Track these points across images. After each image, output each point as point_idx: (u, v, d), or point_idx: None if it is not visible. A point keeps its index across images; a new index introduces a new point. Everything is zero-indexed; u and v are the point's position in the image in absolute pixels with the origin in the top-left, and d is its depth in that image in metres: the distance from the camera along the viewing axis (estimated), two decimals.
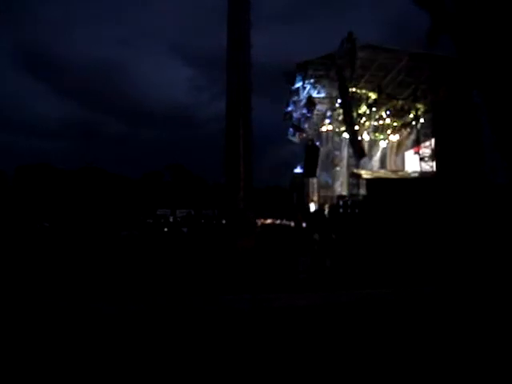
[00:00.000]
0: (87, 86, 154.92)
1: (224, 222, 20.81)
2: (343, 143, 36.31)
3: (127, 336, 5.76)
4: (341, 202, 26.26)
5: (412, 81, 29.39)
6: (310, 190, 36.98)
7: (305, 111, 34.42)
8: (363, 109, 33.36)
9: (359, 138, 32.06)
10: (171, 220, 49.37)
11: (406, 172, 34.78)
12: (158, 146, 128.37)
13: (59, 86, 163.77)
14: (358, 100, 31.97)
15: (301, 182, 37.69)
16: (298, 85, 31.90)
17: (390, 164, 38.69)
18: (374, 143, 39.14)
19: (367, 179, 29.31)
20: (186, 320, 6.56)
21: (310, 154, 31.29)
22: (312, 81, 31.38)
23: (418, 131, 32.40)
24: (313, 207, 35.66)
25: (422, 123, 32.50)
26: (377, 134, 38.73)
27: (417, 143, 33.08)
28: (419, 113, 32.10)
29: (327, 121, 36.05)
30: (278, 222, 39.42)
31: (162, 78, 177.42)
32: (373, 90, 31.52)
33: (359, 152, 28.98)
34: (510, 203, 13.83)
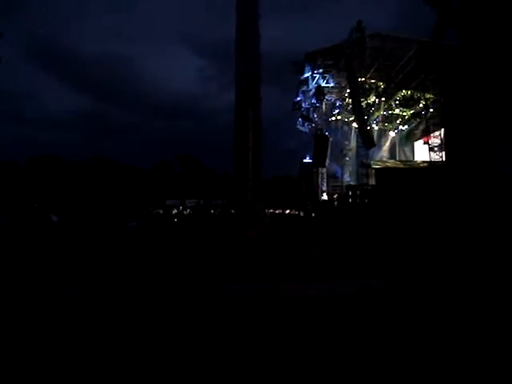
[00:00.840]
0: (98, 78, 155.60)
1: (233, 212, 20.89)
2: (352, 133, 36.30)
3: (136, 327, 5.84)
4: (350, 192, 26.25)
5: (421, 70, 29.20)
6: (320, 179, 36.97)
7: (314, 101, 34.38)
8: (372, 99, 33.31)
9: (368, 127, 31.97)
10: (180, 210, 49.57)
11: (416, 162, 34.72)
12: (168, 136, 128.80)
13: (70, 79, 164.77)
14: (367, 90, 31.92)
15: (310, 172, 37.69)
16: (307, 75, 31.87)
17: (399, 154, 38.64)
18: (383, 133, 39.12)
19: (376, 169, 29.32)
20: (194, 310, 6.64)
21: (319, 144, 31.30)
22: (321, 71, 31.32)
23: (428, 121, 32.23)
24: (325, 197, 35.67)
25: (432, 113, 32.34)
26: (386, 124, 38.71)
27: (426, 133, 32.93)
28: (428, 102, 31.95)
29: (336, 111, 36.06)
30: (288, 211, 39.56)
31: (172, 69, 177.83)
32: (382, 80, 31.43)
33: (368, 142, 28.94)
34: None
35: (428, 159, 31.61)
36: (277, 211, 38.40)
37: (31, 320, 6.06)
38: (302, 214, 32.14)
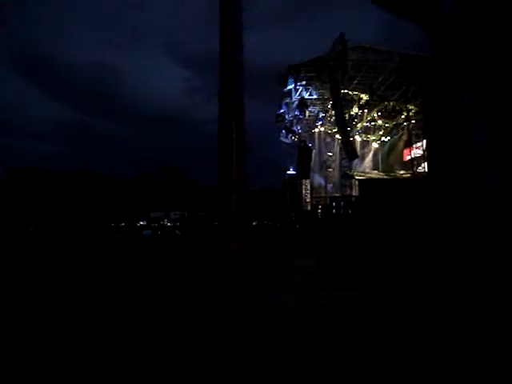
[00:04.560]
0: (82, 89, 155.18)
1: (217, 224, 20.78)
2: (335, 144, 36.49)
3: (118, 339, 5.77)
4: (333, 203, 26.30)
5: (403, 82, 29.53)
6: (303, 191, 37.07)
7: (297, 113, 34.52)
8: (355, 110, 33.53)
9: (351, 139, 32.19)
10: (165, 222, 49.30)
11: (398, 173, 34.98)
12: (152, 148, 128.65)
13: (54, 89, 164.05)
14: (350, 101, 32.11)
15: (294, 184, 37.80)
16: (290, 87, 31.99)
17: (382, 165, 38.90)
18: (366, 144, 39.40)
19: (359, 180, 29.42)
20: (177, 322, 6.57)
21: (303, 156, 31.37)
22: (304, 83, 31.49)
23: (410, 132, 32.55)
24: (309, 208, 35.75)
25: (414, 124, 32.70)
26: (369, 136, 39.00)
27: (408, 144, 33.25)
28: (410, 114, 32.28)
29: (319, 122, 36.26)
30: (272, 223, 39.50)
31: (156, 79, 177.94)
32: (364, 92, 31.68)
33: (351, 153, 29.10)
34: (498, 204, 13.94)
35: (410, 170, 31.88)
36: (261, 223, 38.31)
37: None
38: (286, 225, 32.10)
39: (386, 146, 39.23)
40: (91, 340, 5.70)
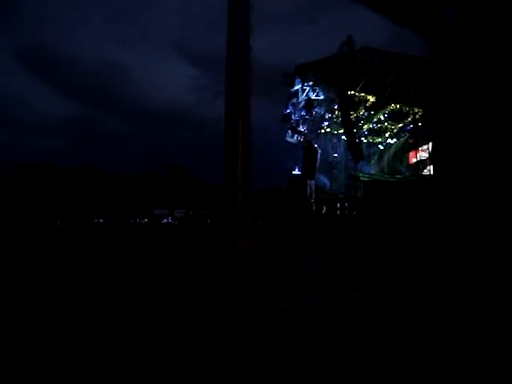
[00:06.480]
0: (89, 86, 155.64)
1: (221, 222, 20.84)
2: (341, 145, 36.46)
3: (122, 336, 5.79)
4: (338, 204, 26.34)
5: (410, 84, 29.45)
6: (308, 192, 37.05)
7: (303, 113, 34.53)
8: (361, 112, 33.50)
9: (357, 140, 32.12)
10: (169, 220, 49.36)
11: (404, 175, 34.92)
12: (157, 145, 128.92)
13: (61, 85, 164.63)
14: (357, 103, 32.10)
15: (299, 184, 37.75)
16: (297, 87, 31.99)
17: (387, 167, 38.84)
18: (371, 146, 39.35)
19: (364, 182, 29.41)
20: (181, 322, 6.60)
21: (308, 156, 31.34)
22: (311, 83, 31.44)
23: (416, 135, 32.49)
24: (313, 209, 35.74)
25: (420, 127, 32.62)
26: (375, 137, 38.95)
27: (414, 147, 33.17)
28: (417, 116, 32.23)
29: (325, 123, 36.21)
30: (273, 223, 39.58)
31: (163, 77, 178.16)
32: (371, 93, 31.62)
33: (357, 155, 29.04)
34: (502, 209, 13.93)
35: (416, 172, 31.82)
36: (262, 222, 38.41)
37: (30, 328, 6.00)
38: (290, 225, 32.10)
39: (392, 149, 39.15)
40: (93, 338, 5.73)
